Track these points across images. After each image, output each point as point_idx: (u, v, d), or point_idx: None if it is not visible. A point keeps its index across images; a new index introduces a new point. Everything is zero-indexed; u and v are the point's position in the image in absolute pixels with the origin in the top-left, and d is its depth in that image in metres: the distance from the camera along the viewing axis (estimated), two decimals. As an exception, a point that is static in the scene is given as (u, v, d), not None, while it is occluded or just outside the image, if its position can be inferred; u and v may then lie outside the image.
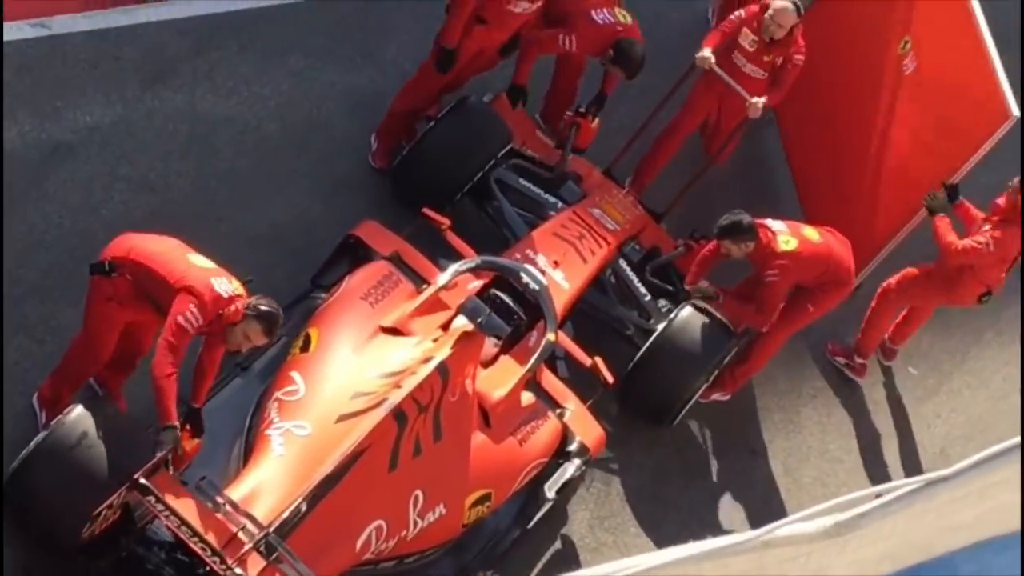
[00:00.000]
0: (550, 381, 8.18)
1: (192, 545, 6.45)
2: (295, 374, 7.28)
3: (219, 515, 6.54)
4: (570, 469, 7.98)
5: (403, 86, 9.00)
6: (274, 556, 6.47)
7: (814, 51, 9.22)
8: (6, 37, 8.48)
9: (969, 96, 9.08)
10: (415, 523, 7.20)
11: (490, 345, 7.88)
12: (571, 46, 8.93)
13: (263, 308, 6.76)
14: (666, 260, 9.17)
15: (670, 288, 9.04)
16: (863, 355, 9.58)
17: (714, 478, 9.00)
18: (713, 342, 8.60)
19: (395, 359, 7.35)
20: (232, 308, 6.74)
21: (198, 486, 6.60)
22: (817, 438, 9.43)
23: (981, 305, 9.05)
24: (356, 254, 8.18)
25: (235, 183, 8.71)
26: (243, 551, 6.43)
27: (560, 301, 8.34)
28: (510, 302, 8.14)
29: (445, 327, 7.62)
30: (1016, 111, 8.83)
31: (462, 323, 7.59)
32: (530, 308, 8.16)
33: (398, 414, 7.00)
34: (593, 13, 8.88)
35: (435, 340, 7.45)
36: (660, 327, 8.65)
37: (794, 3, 9.02)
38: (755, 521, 8.68)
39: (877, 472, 9.44)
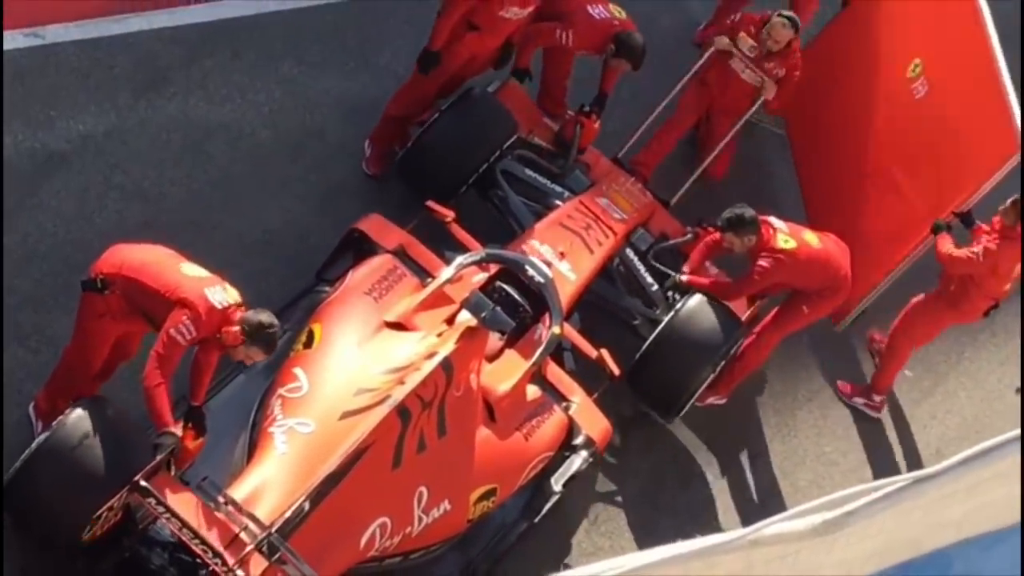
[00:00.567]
0: (556, 374, 8.14)
1: (193, 547, 6.44)
2: (298, 370, 7.26)
3: (221, 515, 6.53)
4: (576, 462, 7.96)
5: (396, 91, 9.00)
6: (276, 556, 6.46)
7: (827, 69, 9.24)
8: (-2, 47, 8.51)
9: (979, 125, 8.94)
10: (420, 519, 7.18)
11: (495, 339, 7.84)
12: (568, 40, 8.96)
13: (262, 331, 6.71)
14: (672, 245, 9.15)
15: (672, 274, 8.96)
16: (880, 391, 9.56)
17: (710, 482, 8.98)
18: (720, 332, 8.51)
19: (399, 354, 7.32)
20: (230, 331, 6.71)
21: (199, 486, 6.59)
22: (813, 441, 9.43)
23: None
24: (360, 248, 8.14)
25: (229, 190, 8.71)
26: (245, 552, 6.42)
27: (566, 293, 8.30)
28: (516, 295, 8.12)
29: (450, 321, 7.58)
30: None
31: (466, 318, 7.54)
32: (536, 301, 8.12)
33: (402, 410, 6.97)
34: (589, 8, 8.93)
35: (439, 335, 7.42)
36: (667, 318, 8.60)
37: (791, 19, 9.24)
38: (751, 525, 8.66)
39: (873, 474, 9.43)
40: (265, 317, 6.75)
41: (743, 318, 8.79)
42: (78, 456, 6.60)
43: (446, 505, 7.28)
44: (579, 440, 8.01)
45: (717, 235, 8.71)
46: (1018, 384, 9.89)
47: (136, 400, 6.98)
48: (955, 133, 9.06)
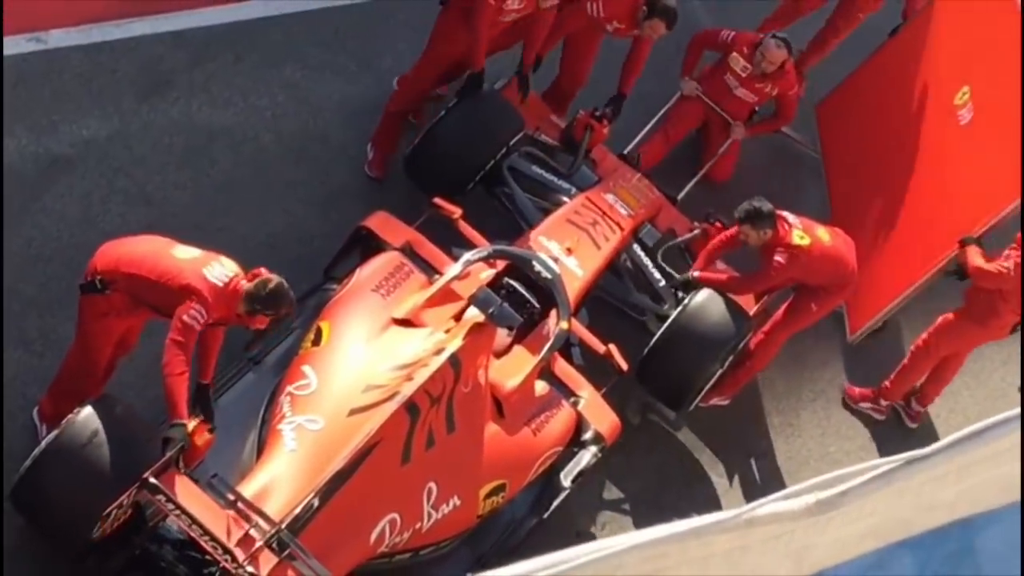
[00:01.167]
0: (564, 369, 8.14)
1: (203, 544, 6.43)
2: (307, 368, 7.26)
3: (230, 512, 6.52)
4: (586, 457, 7.96)
5: (396, 91, 9.06)
6: (286, 553, 6.45)
7: (877, 88, 9.31)
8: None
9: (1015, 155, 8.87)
10: (429, 515, 7.17)
11: (503, 335, 7.85)
12: (599, 11, 8.98)
13: (265, 295, 6.73)
14: (679, 242, 9.18)
15: (675, 275, 8.98)
16: (890, 398, 9.56)
17: (714, 483, 8.99)
18: (728, 327, 8.54)
19: (407, 351, 7.32)
20: (235, 313, 6.76)
21: (209, 483, 6.59)
22: (817, 441, 9.44)
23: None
24: (367, 245, 8.15)
25: (232, 194, 8.72)
26: (254, 548, 6.41)
27: (573, 288, 8.31)
28: (523, 291, 8.12)
29: (457, 318, 7.60)
30: None
31: (474, 314, 7.57)
32: (543, 296, 8.12)
33: (410, 406, 6.97)
34: None
35: (447, 331, 7.43)
36: (675, 312, 8.62)
37: (784, 41, 9.38)
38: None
39: (877, 474, 9.43)
40: (265, 283, 6.76)
41: (751, 313, 8.80)
42: (88, 454, 6.60)
43: (455, 501, 7.27)
44: (588, 435, 8.00)
45: (727, 232, 8.74)
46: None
47: (147, 392, 6.98)
48: (992, 161, 9.07)
